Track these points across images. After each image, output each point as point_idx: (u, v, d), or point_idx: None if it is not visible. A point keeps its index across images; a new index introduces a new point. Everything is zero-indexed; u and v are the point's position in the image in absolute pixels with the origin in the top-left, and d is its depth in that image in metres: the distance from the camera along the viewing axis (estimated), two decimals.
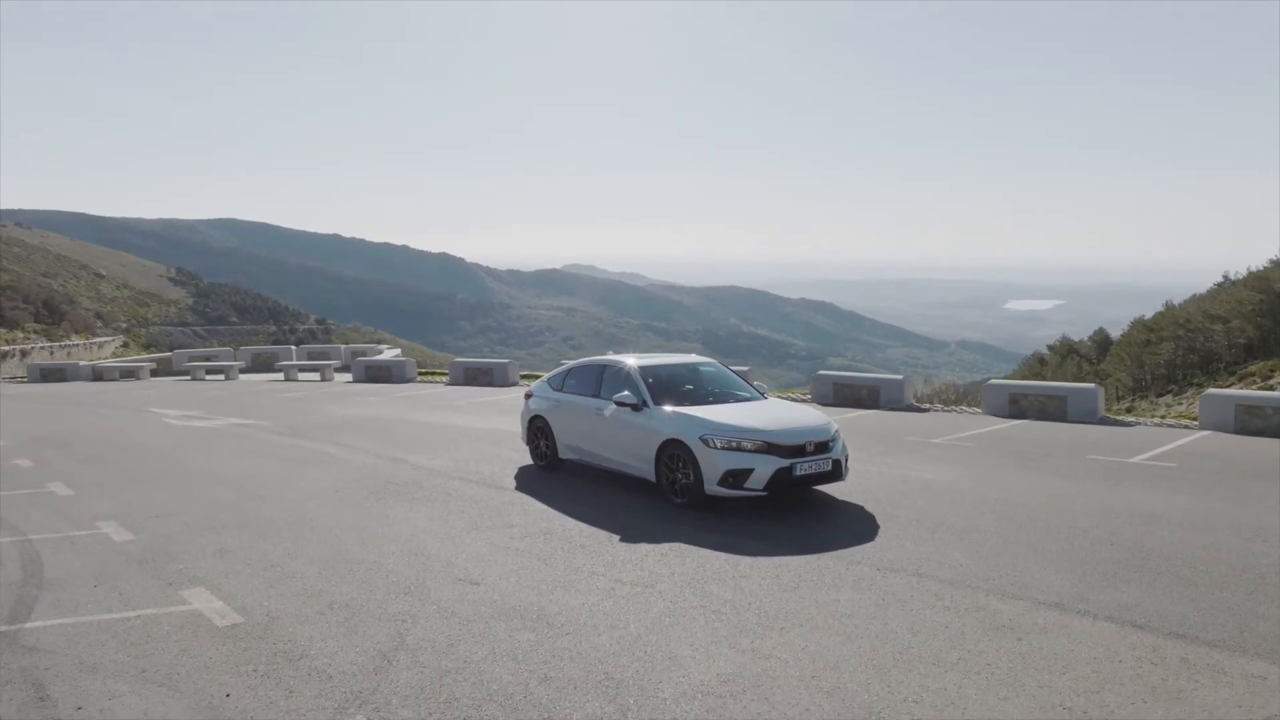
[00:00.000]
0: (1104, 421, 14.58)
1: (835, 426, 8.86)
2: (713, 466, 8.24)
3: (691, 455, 8.40)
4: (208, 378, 27.27)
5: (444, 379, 25.16)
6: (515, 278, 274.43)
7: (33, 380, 28.28)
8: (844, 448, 8.81)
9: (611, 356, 10.35)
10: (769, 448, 8.23)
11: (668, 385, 9.55)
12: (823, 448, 8.50)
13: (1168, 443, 12.35)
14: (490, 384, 22.96)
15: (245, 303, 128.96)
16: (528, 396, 11.25)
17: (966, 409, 16.84)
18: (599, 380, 10.05)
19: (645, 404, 9.17)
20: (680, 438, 8.54)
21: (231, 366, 28.28)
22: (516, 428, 12.10)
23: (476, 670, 4.88)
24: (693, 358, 10.59)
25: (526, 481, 10.09)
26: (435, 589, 6.30)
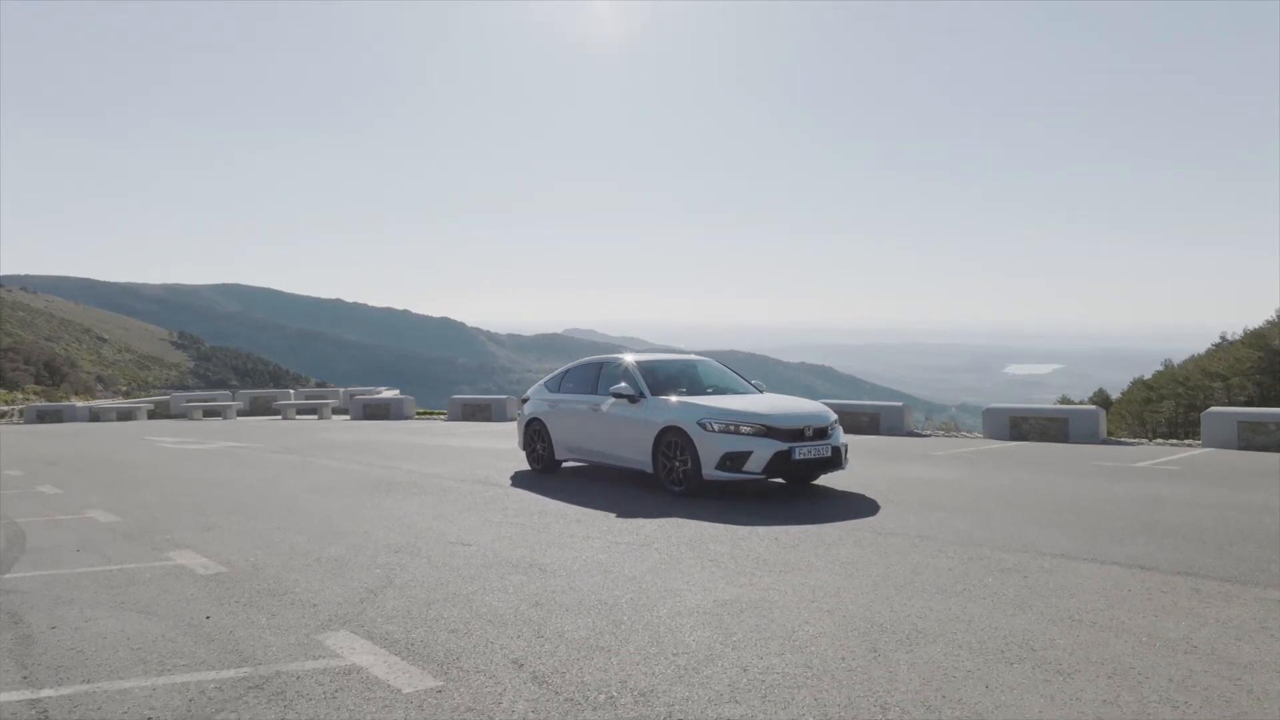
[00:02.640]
0: (1106, 442, 14.44)
1: (834, 416, 8.76)
2: (710, 450, 8.12)
3: (689, 440, 8.29)
4: (204, 419, 27.09)
5: (443, 416, 25.01)
6: (516, 342, 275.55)
7: (29, 421, 28.13)
8: (843, 436, 8.70)
9: (609, 355, 10.29)
10: (767, 431, 8.12)
11: (666, 381, 9.47)
12: (821, 433, 8.39)
13: (1171, 454, 12.22)
14: (489, 419, 22.83)
15: (246, 366, 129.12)
16: (524, 401, 11.16)
17: (967, 435, 16.72)
18: (596, 378, 9.98)
19: (642, 395, 9.09)
20: (677, 423, 8.44)
21: (229, 407, 28.13)
22: (514, 448, 11.94)
23: (466, 599, 4.73)
24: (691, 355, 10.54)
25: (522, 480, 9.92)
26: (426, 548, 6.16)
